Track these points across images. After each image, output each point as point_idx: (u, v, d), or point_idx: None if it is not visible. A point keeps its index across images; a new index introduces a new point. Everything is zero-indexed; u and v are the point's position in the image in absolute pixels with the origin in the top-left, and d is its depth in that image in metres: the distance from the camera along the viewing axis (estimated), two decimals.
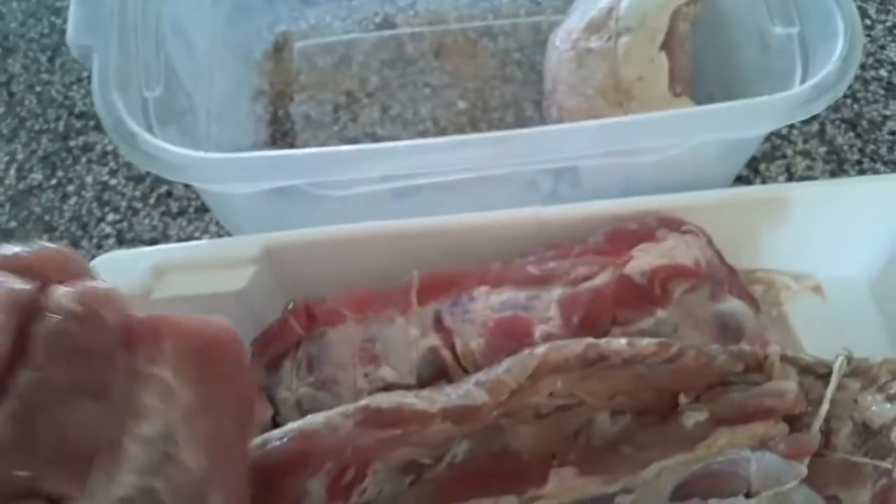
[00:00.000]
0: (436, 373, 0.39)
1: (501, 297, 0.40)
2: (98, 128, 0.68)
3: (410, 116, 0.64)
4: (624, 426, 0.36)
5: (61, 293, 0.26)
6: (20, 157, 0.66)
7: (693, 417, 0.35)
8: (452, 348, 0.39)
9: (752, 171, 0.61)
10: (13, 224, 0.62)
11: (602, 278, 0.40)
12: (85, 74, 0.71)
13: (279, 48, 0.68)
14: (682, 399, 0.36)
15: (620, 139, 0.44)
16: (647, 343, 0.35)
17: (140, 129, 0.44)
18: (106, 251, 0.46)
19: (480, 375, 0.35)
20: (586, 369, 0.35)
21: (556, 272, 0.41)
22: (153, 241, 0.61)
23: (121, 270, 0.46)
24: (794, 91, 0.45)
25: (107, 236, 0.61)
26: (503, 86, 0.65)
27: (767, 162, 0.61)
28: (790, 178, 0.60)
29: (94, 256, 0.46)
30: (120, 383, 0.27)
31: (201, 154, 0.44)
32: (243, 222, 0.54)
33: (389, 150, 0.44)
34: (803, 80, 0.48)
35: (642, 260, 0.41)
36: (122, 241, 0.61)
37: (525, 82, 0.65)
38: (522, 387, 0.34)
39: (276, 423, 0.38)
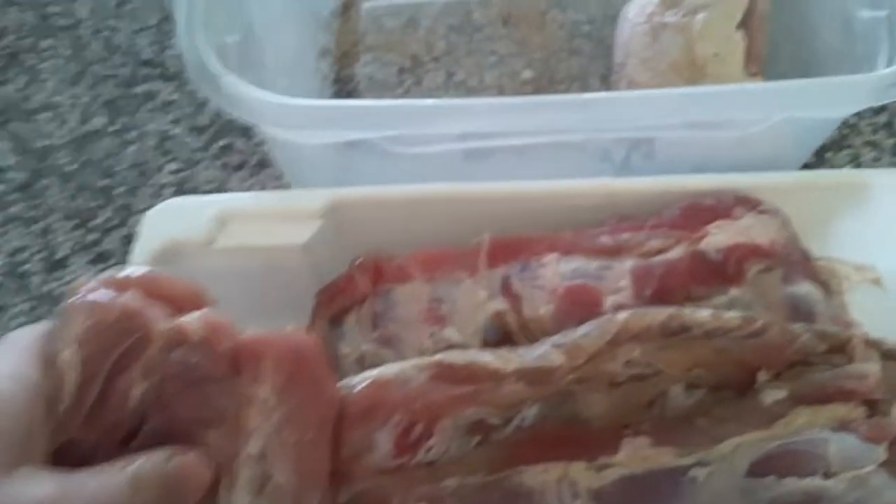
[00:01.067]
0: (501, 337, 0.38)
1: (572, 265, 0.39)
2: (162, 76, 0.67)
3: (475, 84, 0.62)
4: (699, 399, 0.34)
5: (185, 322, 0.30)
6: (84, 100, 0.65)
7: (772, 395, 0.34)
8: (520, 313, 0.38)
9: (818, 159, 0.59)
10: (74, 167, 0.61)
11: (676, 252, 0.39)
12: (152, 22, 0.70)
13: (346, 7, 0.66)
14: (762, 376, 0.34)
15: (701, 109, 0.43)
16: (731, 316, 0.34)
17: (224, 71, 0.44)
18: (165, 200, 0.45)
19: (557, 338, 0.34)
20: (666, 339, 0.34)
21: (629, 243, 0.40)
22: (213, 193, 0.60)
23: (184, 217, 0.45)
24: (884, 72, 0.43)
25: (166, 185, 0.60)
26: (570, 58, 0.63)
27: (835, 151, 0.59)
28: (857, 168, 0.58)
29: (151, 206, 0.46)
30: (232, 409, 0.30)
31: (283, 99, 0.42)
32: (311, 176, 0.52)
33: (466, 107, 0.43)
34: (889, 66, 0.46)
35: (718, 237, 0.39)
36: (181, 191, 0.60)
37: (593, 56, 0.63)
38: (600, 352, 0.33)
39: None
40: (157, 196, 0.60)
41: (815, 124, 0.49)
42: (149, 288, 0.31)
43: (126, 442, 0.30)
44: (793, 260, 0.41)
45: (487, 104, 0.43)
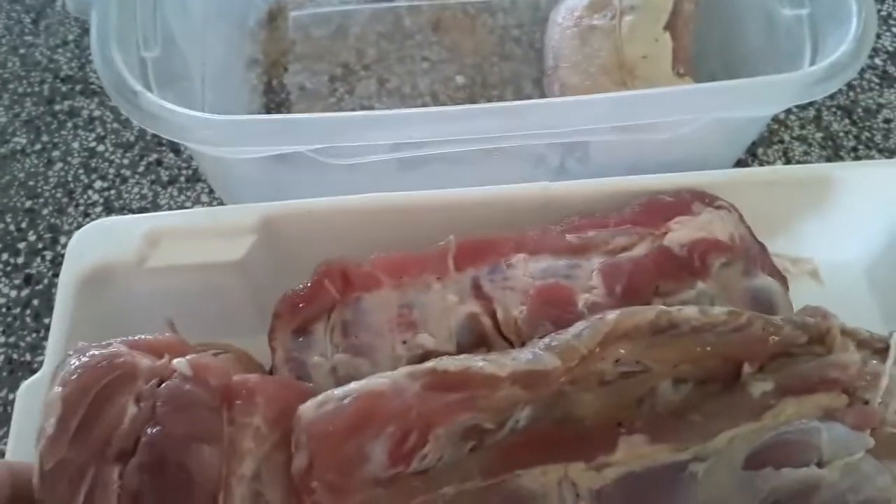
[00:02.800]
0: (475, 340, 0.38)
1: (540, 265, 0.38)
2: (84, 92, 0.64)
3: (408, 90, 0.61)
4: (686, 394, 0.34)
5: (176, 363, 0.33)
6: (2, 120, 0.62)
7: (759, 387, 0.34)
8: (493, 316, 0.38)
9: (750, 156, 0.59)
10: None
11: (641, 248, 0.39)
12: (70, 38, 0.67)
13: (273, 17, 0.64)
14: (747, 368, 0.34)
15: (631, 113, 0.42)
16: (718, 312, 0.34)
17: (142, 88, 0.42)
18: (93, 220, 0.43)
19: (547, 339, 0.33)
20: (654, 336, 0.34)
21: (594, 241, 0.39)
22: (143, 211, 0.57)
23: (113, 238, 0.43)
24: (810, 69, 0.43)
25: (94, 204, 0.57)
26: (502, 62, 0.62)
27: (765, 146, 0.60)
28: (787, 163, 0.59)
29: (80, 225, 0.44)
30: (226, 432, 0.32)
31: (207, 115, 0.41)
32: (242, 191, 0.51)
33: (397, 117, 0.42)
34: (812, 63, 0.47)
35: (680, 232, 0.39)
36: (110, 210, 0.57)
37: (524, 59, 0.62)
38: (591, 352, 0.33)
39: None
40: (86, 215, 0.57)
41: (745, 123, 0.49)
42: (132, 343, 0.34)
43: (121, 460, 0.31)
44: (752, 254, 0.41)
45: (419, 114, 0.42)
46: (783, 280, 0.41)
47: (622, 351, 0.33)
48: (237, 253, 0.43)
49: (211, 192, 0.57)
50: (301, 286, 0.38)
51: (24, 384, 0.39)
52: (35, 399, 0.37)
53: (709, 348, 0.34)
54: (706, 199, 0.42)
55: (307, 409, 0.32)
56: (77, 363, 0.33)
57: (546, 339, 0.34)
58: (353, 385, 0.32)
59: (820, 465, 0.33)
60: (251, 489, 0.32)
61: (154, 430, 0.31)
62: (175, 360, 0.33)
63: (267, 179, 0.47)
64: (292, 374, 0.37)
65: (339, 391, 0.32)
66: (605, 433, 0.33)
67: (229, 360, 0.40)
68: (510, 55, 0.63)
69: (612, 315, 0.33)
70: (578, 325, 0.34)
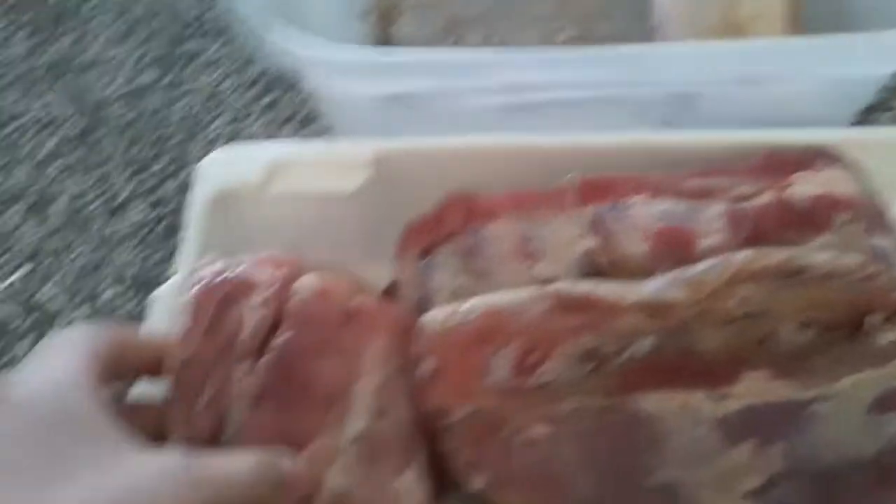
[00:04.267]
0: (593, 275, 0.37)
1: (662, 207, 0.38)
2: (207, 35, 0.66)
3: (515, 44, 0.62)
4: (810, 339, 0.33)
5: (304, 279, 0.34)
6: (134, 56, 0.65)
7: (885, 337, 0.33)
8: (611, 252, 0.37)
9: (862, 121, 0.58)
10: (128, 119, 0.61)
11: (764, 198, 0.38)
12: None
13: None
14: (872, 318, 0.33)
15: (745, 62, 0.42)
16: (849, 259, 0.33)
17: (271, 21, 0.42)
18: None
19: (676, 273, 0.33)
20: (782, 280, 0.33)
21: (716, 187, 0.38)
22: None
23: (237, 163, 0.45)
24: None
25: (217, 138, 0.60)
26: (609, 20, 0.61)
27: (879, 112, 0.58)
28: None
29: (205, 156, 0.46)
30: (350, 346, 0.33)
31: (332, 47, 0.41)
32: (356, 130, 0.51)
33: (510, 59, 0.42)
34: None
35: (803, 187, 0.38)
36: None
37: (630, 17, 0.62)
38: (718, 290, 0.32)
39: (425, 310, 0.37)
40: (209, 148, 0.60)
41: (858, 83, 0.48)
42: (257, 258, 0.35)
43: (245, 361, 0.33)
44: (872, 215, 0.40)
45: (531, 56, 0.42)
46: None
47: (748, 291, 0.33)
48: (352, 185, 0.44)
49: (325, 131, 0.59)
50: (428, 213, 0.39)
51: (158, 290, 0.42)
52: (166, 304, 0.40)
53: (836, 296, 0.34)
54: (830, 156, 0.40)
55: (433, 319, 0.32)
56: (204, 273, 0.34)
57: (673, 273, 0.33)
58: (481, 299, 0.32)
59: None
60: (377, 402, 0.33)
61: (283, 338, 0.33)
62: (304, 276, 0.35)
63: (381, 119, 0.48)
64: (415, 296, 0.38)
65: (465, 305, 0.32)
66: (728, 367, 0.32)
67: (347, 282, 0.42)
68: (616, 12, 0.62)
69: (742, 254, 0.33)
70: (707, 262, 0.33)
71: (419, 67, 0.42)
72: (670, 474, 0.32)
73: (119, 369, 0.30)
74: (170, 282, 0.42)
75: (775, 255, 0.33)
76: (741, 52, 0.42)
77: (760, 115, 0.44)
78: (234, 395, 0.33)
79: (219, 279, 0.34)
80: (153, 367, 0.33)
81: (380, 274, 0.42)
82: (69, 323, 0.52)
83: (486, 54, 0.43)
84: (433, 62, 0.42)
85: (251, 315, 0.33)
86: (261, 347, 0.33)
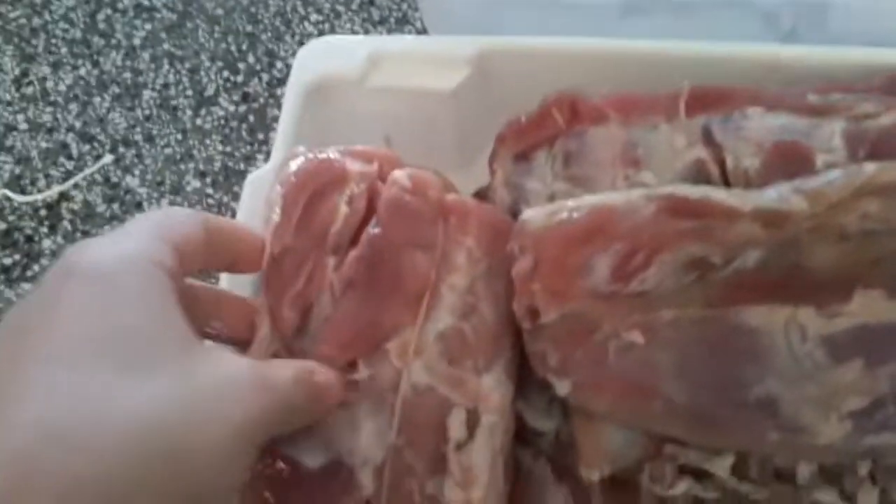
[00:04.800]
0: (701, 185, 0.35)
1: (778, 121, 0.36)
2: None
3: None
4: None
5: (397, 173, 0.33)
6: None
7: None
8: (722, 164, 0.35)
9: None
10: (221, 11, 0.60)
11: (888, 118, 0.35)
12: None
13: None
14: None
15: None
16: None
17: None
18: None
19: (797, 182, 0.31)
20: None
21: (837, 104, 0.36)
22: None
23: (336, 55, 0.44)
24: None
25: (309, 35, 0.59)
26: None
27: None
28: None
29: (295, 52, 0.45)
30: (440, 243, 0.32)
31: None
32: (455, 28, 0.49)
33: None
34: None
35: None
36: None
37: None
38: (841, 202, 0.30)
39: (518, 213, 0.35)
40: (301, 45, 0.59)
41: None
42: (347, 150, 0.35)
43: (337, 252, 0.33)
44: None
45: None
46: None
47: (871, 206, 0.31)
48: (451, 83, 0.43)
49: (420, 33, 0.58)
50: (529, 113, 0.38)
51: (251, 175, 0.42)
52: (259, 189, 0.39)
53: None
54: None
55: (535, 215, 0.31)
56: (295, 165, 0.34)
57: (795, 182, 0.31)
58: (587, 198, 0.31)
59: None
60: (464, 301, 0.32)
61: (375, 231, 0.32)
62: (396, 171, 0.34)
63: (484, 16, 0.47)
64: (510, 197, 0.37)
65: (571, 202, 0.31)
66: (840, 284, 0.31)
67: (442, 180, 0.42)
68: None
69: (870, 166, 0.31)
70: (832, 173, 0.31)
71: None
72: (771, 389, 0.30)
73: (202, 258, 0.29)
74: (262, 168, 0.42)
75: None
76: None
77: (888, 35, 0.41)
78: (323, 288, 0.32)
79: (311, 171, 0.33)
80: (242, 261, 0.32)
81: (473, 180, 0.40)
82: None
83: None
84: None
85: (343, 208, 0.33)
86: (353, 240, 0.33)
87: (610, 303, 0.31)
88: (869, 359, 0.30)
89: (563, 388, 0.31)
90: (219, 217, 0.32)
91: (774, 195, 0.31)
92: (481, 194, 0.40)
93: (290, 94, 0.44)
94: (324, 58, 0.45)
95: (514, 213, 0.36)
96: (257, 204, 0.39)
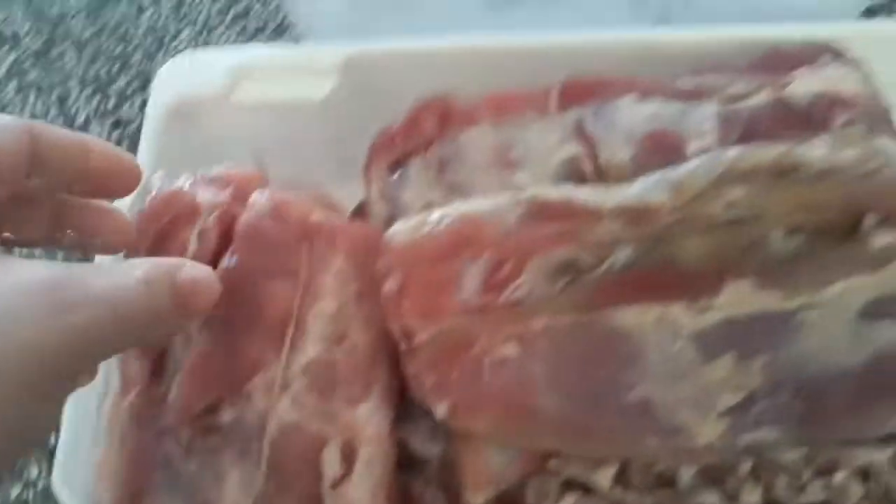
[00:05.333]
0: (575, 182, 0.35)
1: (650, 109, 0.35)
2: None
3: None
4: (799, 245, 0.31)
5: (255, 197, 0.32)
6: None
7: (881, 239, 0.30)
8: (595, 159, 0.35)
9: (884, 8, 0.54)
10: (89, 33, 0.58)
11: (760, 98, 0.35)
12: None
13: None
14: (869, 220, 0.31)
15: None
16: (848, 153, 0.30)
17: None
18: None
19: (658, 175, 0.31)
20: (774, 179, 0.30)
21: (709, 87, 0.36)
22: None
23: (200, 70, 0.42)
24: None
25: (182, 52, 0.58)
26: None
27: (885, 13, 0.55)
28: None
29: None
30: (304, 268, 0.31)
31: None
32: (327, 31, 0.48)
33: None
34: None
35: (803, 84, 0.36)
36: None
37: None
38: (704, 192, 0.30)
39: None
40: None
41: None
42: (207, 177, 0.33)
43: None
44: (876, 115, 0.37)
45: None
46: None
47: (737, 193, 0.30)
48: (320, 93, 0.41)
49: (295, 42, 0.56)
50: (399, 121, 0.37)
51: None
52: None
53: (831, 195, 0.31)
54: (833, 52, 0.37)
55: (400, 231, 0.30)
56: (147, 198, 0.32)
57: (657, 175, 0.31)
58: (452, 207, 0.30)
59: None
60: (333, 328, 0.31)
61: (230, 262, 0.30)
62: (255, 194, 0.32)
63: (352, 16, 0.45)
64: (386, 209, 0.36)
65: (435, 213, 0.30)
66: (710, 277, 0.30)
67: (310, 199, 0.40)
68: None
69: (731, 152, 0.30)
70: (694, 161, 0.31)
71: None
72: (647, 392, 0.29)
73: (24, 169, 0.25)
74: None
75: (768, 152, 0.31)
76: None
77: (763, 9, 0.40)
78: None
79: (159, 207, 0.32)
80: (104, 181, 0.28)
81: (353, 192, 0.39)
82: None
83: None
84: None
85: (193, 243, 0.31)
86: None
87: (483, 316, 0.30)
88: (740, 352, 0.30)
89: (441, 410, 0.30)
90: (59, 129, 0.27)
91: (637, 190, 0.30)
92: (360, 212, 0.39)
93: (150, 117, 0.41)
94: (185, 75, 0.43)
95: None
96: None
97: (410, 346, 0.30)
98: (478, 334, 0.29)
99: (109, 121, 0.54)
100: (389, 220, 0.36)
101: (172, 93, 0.42)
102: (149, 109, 0.41)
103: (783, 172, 0.30)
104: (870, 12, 0.51)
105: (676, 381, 0.29)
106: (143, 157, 0.40)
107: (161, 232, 0.31)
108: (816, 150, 0.30)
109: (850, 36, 0.38)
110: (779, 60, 0.37)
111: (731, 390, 0.29)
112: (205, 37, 0.57)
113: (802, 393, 0.29)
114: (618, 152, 0.35)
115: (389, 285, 0.30)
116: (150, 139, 0.41)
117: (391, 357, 0.31)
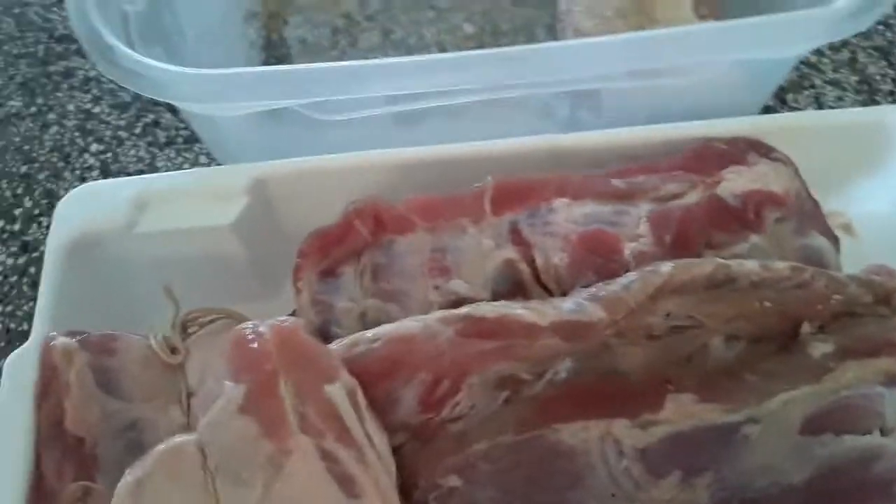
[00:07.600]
0: (512, 288, 0.35)
1: (584, 210, 0.36)
2: (80, 52, 0.61)
3: (414, 42, 0.58)
4: (739, 352, 0.32)
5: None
6: None
7: (819, 348, 0.32)
8: (531, 263, 0.35)
9: (779, 102, 0.56)
10: None
11: (693, 196, 0.36)
12: None
13: None
14: (806, 327, 0.32)
15: (646, 55, 0.39)
16: (781, 266, 0.32)
17: (118, 42, 0.40)
18: (90, 183, 0.42)
19: (594, 290, 0.31)
20: (709, 291, 0.31)
21: (642, 187, 0.36)
22: (140, 173, 0.54)
23: (100, 202, 0.41)
24: (839, 4, 0.39)
25: (90, 168, 0.55)
26: (514, 8, 0.59)
27: (795, 92, 0.56)
28: (820, 109, 0.56)
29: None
30: None
31: (185, 69, 0.38)
32: (235, 151, 0.48)
33: (392, 67, 0.39)
34: None
35: (735, 182, 0.37)
36: (106, 173, 0.55)
37: (538, 4, 0.59)
38: (640, 306, 0.30)
39: (329, 335, 0.34)
40: (83, 179, 0.54)
41: (771, 65, 0.45)
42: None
43: None
44: (805, 210, 0.38)
45: (415, 63, 0.39)
46: (835, 240, 0.39)
47: (674, 305, 0.31)
48: (229, 216, 0.41)
49: (209, 153, 0.56)
50: (330, 226, 0.37)
51: (12, 355, 0.38)
52: (22, 372, 0.36)
53: (767, 305, 0.32)
54: (762, 149, 0.39)
55: (335, 351, 0.30)
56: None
57: (592, 289, 0.31)
58: (385, 328, 0.30)
59: (883, 432, 0.31)
60: None
61: None
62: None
63: (259, 138, 0.45)
64: (318, 318, 0.36)
65: (369, 333, 0.30)
66: (652, 390, 0.31)
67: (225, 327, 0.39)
68: (523, 0, 0.60)
69: (665, 267, 0.31)
70: (628, 276, 0.31)
71: (287, 83, 0.38)
72: None
73: None
74: (23, 347, 0.38)
75: (701, 267, 0.32)
76: (642, 43, 0.39)
77: (668, 108, 0.42)
78: None
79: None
80: None
81: (283, 307, 0.38)
82: None
83: (366, 64, 0.39)
84: (303, 75, 0.38)
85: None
86: None
87: (423, 449, 0.30)
88: (685, 470, 0.30)
89: None
90: None
91: (572, 306, 0.31)
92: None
93: (50, 256, 0.40)
94: (85, 208, 0.42)
95: (325, 335, 0.35)
96: (20, 392, 0.36)
97: None
98: (419, 470, 0.30)
99: (16, 244, 0.53)
100: (322, 329, 0.36)
101: (71, 228, 0.41)
102: (48, 245, 0.40)
103: (718, 284, 0.31)
104: (767, 110, 0.53)
105: (623, 502, 0.29)
106: (45, 295, 0.39)
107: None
108: (749, 263, 0.32)
109: (758, 128, 0.41)
110: (707, 158, 0.38)
111: None
112: (112, 151, 0.56)
113: None
114: (554, 255, 0.35)
115: None
116: (51, 280, 0.40)
117: None
